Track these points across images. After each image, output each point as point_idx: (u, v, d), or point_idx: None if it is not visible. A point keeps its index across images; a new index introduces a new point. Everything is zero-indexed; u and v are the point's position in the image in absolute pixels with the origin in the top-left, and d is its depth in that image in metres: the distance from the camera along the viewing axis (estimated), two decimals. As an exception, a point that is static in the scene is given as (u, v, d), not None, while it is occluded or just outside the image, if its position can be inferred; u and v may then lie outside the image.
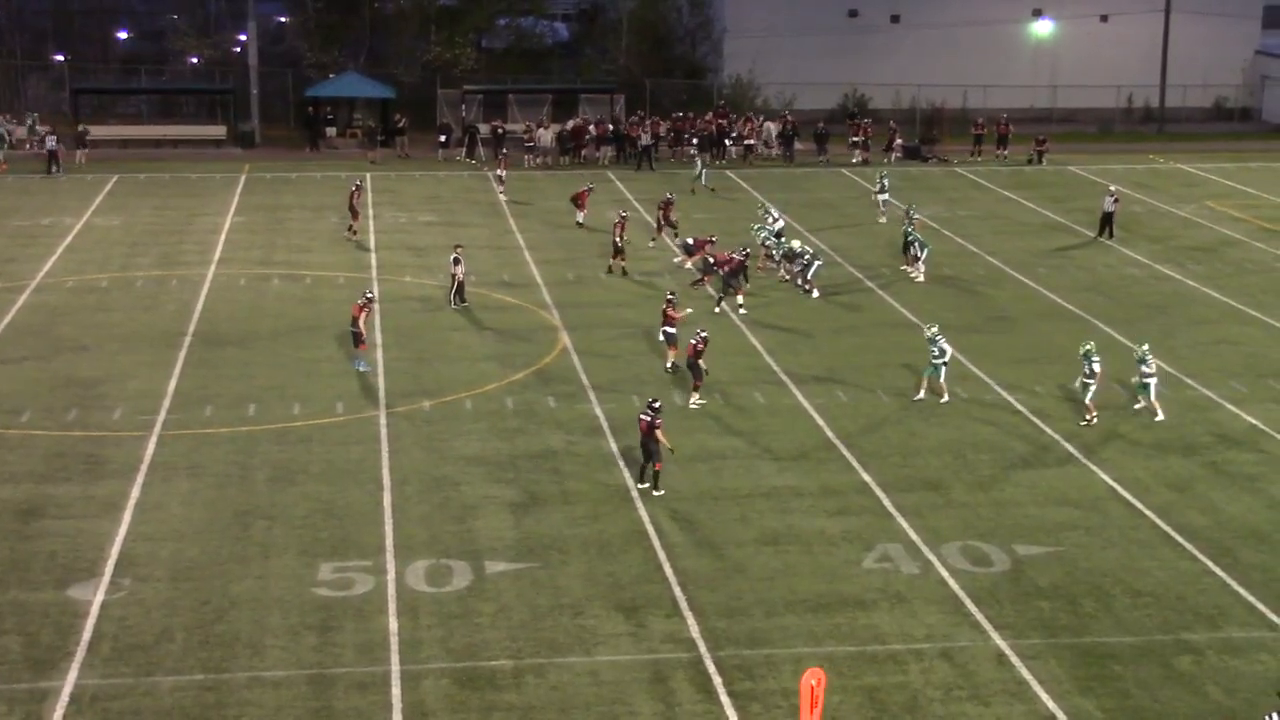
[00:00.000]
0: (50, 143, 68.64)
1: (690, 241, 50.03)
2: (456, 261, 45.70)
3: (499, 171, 63.86)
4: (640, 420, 31.57)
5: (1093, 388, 36.14)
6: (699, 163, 66.92)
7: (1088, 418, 36.09)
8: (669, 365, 39.29)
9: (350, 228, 54.67)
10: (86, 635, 25.42)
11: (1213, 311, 46.70)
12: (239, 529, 29.61)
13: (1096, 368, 36.13)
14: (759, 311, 45.51)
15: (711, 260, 46.88)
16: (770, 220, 52.16)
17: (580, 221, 56.77)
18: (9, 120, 74.00)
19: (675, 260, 51.40)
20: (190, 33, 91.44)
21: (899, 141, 74.95)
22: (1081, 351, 36.58)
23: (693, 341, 36.92)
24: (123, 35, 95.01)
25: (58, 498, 30.97)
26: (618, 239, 49.48)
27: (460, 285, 45.55)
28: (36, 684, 23.92)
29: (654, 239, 52.95)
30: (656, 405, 31.55)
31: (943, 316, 44.98)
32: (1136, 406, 37.07)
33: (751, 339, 42.73)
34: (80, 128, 71.67)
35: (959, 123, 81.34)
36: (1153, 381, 36.75)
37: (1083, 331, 43.82)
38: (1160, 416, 36.46)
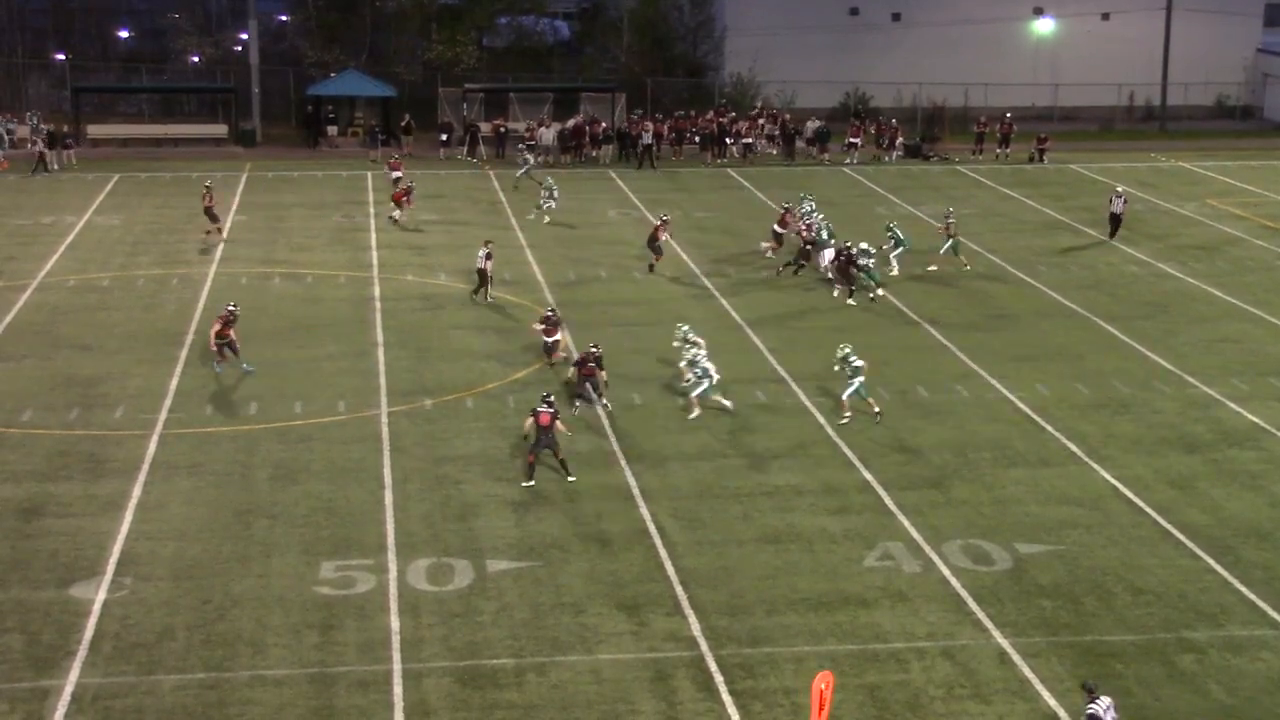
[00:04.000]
0: (39, 143, 68.72)
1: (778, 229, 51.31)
2: (488, 257, 46.07)
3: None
4: (540, 415, 31.73)
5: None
6: (529, 159, 66.43)
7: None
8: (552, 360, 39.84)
9: (208, 231, 53.68)
10: (88, 634, 25.45)
11: (1214, 309, 46.69)
12: (240, 528, 29.64)
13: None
14: (761, 311, 45.52)
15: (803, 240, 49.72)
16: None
17: (395, 218, 56.77)
18: (10, 119, 73.96)
19: (762, 246, 52.15)
20: (191, 31, 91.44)
21: (900, 140, 74.97)
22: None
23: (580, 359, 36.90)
24: (124, 34, 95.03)
25: (59, 496, 30.99)
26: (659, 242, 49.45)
27: (489, 280, 45.98)
28: (38, 683, 23.95)
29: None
30: (551, 398, 32.26)
31: (944, 314, 45.17)
32: (844, 419, 36.10)
33: (753, 337, 42.73)
34: (64, 128, 71.50)
35: (960, 121, 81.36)
36: (857, 381, 35.75)
37: (1083, 329, 43.89)
38: (847, 417, 35.91)
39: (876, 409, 36.17)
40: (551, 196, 57.62)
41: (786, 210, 52.15)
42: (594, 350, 36.52)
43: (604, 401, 36.14)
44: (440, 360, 40.30)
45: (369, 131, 74.73)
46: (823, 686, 21.13)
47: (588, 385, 36.32)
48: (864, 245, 48.04)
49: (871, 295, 46.74)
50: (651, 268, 49.29)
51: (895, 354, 41.43)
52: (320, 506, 30.69)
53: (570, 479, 31.74)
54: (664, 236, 49.01)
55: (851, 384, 35.78)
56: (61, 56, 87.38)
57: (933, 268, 50.13)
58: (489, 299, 45.90)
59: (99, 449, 33.72)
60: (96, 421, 35.46)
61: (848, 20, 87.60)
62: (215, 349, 38.76)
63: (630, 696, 23.74)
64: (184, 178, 66.47)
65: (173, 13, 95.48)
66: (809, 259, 49.74)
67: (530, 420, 31.96)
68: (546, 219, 57.15)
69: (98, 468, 32.70)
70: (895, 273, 49.36)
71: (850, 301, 46.55)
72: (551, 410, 31.76)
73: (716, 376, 36.14)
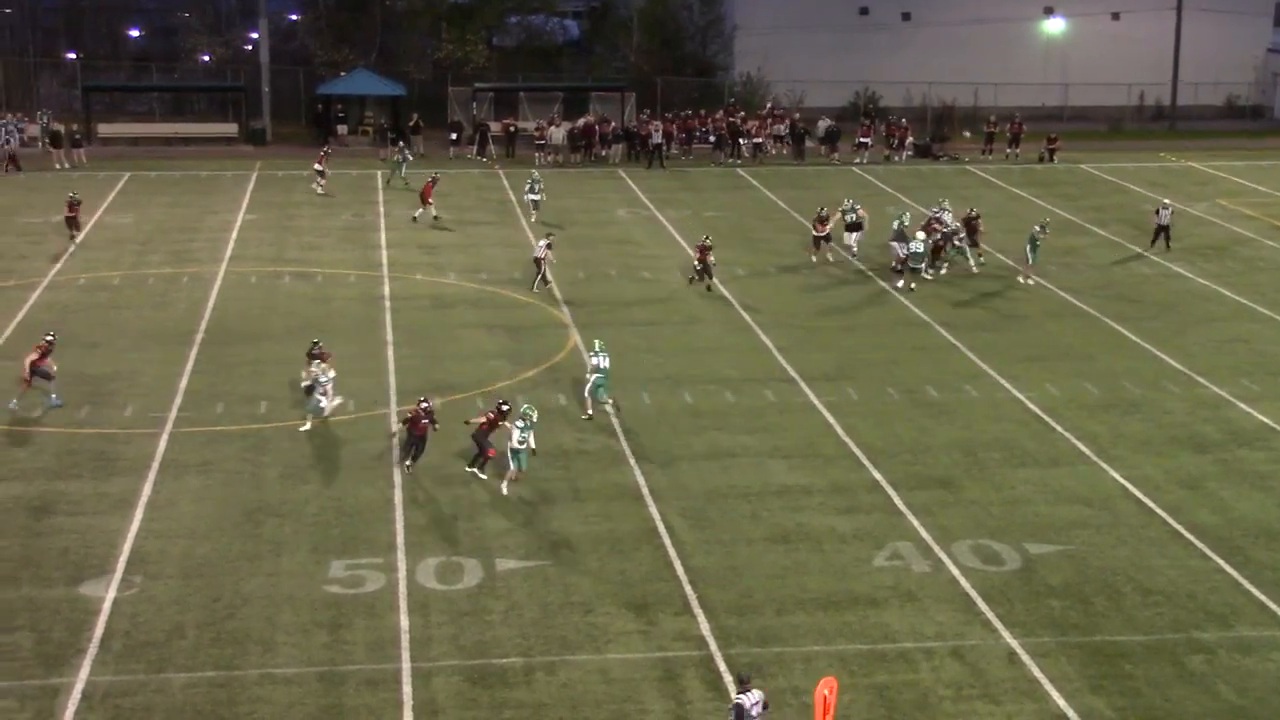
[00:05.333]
0: (8, 142, 68.80)
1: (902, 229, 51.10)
2: (549, 247, 47.23)
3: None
4: (417, 416, 32.22)
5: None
6: (405, 155, 66.37)
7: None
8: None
9: (72, 236, 52.86)
10: (98, 632, 25.48)
11: (1224, 309, 46.64)
12: (250, 526, 29.67)
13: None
14: (770, 310, 45.53)
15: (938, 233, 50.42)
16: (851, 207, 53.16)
17: (415, 217, 56.97)
18: (20, 118, 74.03)
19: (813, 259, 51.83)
20: (202, 30, 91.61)
21: (910, 139, 74.92)
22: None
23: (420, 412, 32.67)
24: (134, 33, 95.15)
25: (69, 495, 31.02)
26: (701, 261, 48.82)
27: (541, 269, 46.92)
28: (48, 680, 23.99)
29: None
30: (427, 405, 32.42)
31: (953, 315, 45.11)
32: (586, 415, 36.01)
33: (763, 337, 42.71)
34: (74, 127, 71.55)
35: (970, 121, 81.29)
36: (595, 377, 35.71)
37: (1093, 329, 43.85)
38: (589, 414, 35.79)
39: (589, 412, 35.81)
40: (533, 190, 57.39)
41: (821, 218, 51.78)
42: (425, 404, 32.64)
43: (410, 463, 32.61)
44: (449, 359, 40.32)
45: (378, 130, 74.75)
46: (826, 692, 21.12)
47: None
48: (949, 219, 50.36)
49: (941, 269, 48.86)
50: (709, 287, 47.39)
51: (905, 354, 41.42)
52: (330, 505, 30.70)
53: (478, 473, 32.21)
54: (710, 259, 47.48)
55: (595, 382, 35.72)
56: (72, 55, 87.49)
57: (1029, 280, 49.46)
58: (538, 289, 46.73)
59: (109, 447, 33.76)
60: (106, 420, 35.50)
61: (857, 20, 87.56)
62: (26, 378, 35.88)
63: (639, 696, 23.74)
64: (194, 176, 66.60)
65: (183, 12, 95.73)
66: (940, 254, 50.39)
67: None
68: (534, 215, 57.03)
69: (108, 466, 32.73)
70: (1031, 282, 49.48)
71: (911, 286, 48.14)
72: (425, 415, 32.18)
73: (598, 375, 35.86)
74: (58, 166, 67.73)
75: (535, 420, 31.57)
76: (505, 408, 32.28)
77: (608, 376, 35.98)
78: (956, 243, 50.45)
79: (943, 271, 49.89)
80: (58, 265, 49.92)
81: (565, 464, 32.97)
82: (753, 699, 21.38)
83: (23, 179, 65.37)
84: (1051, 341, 42.91)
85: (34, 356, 36.14)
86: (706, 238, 48.12)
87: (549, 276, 47.08)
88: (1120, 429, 35.83)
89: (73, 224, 52.70)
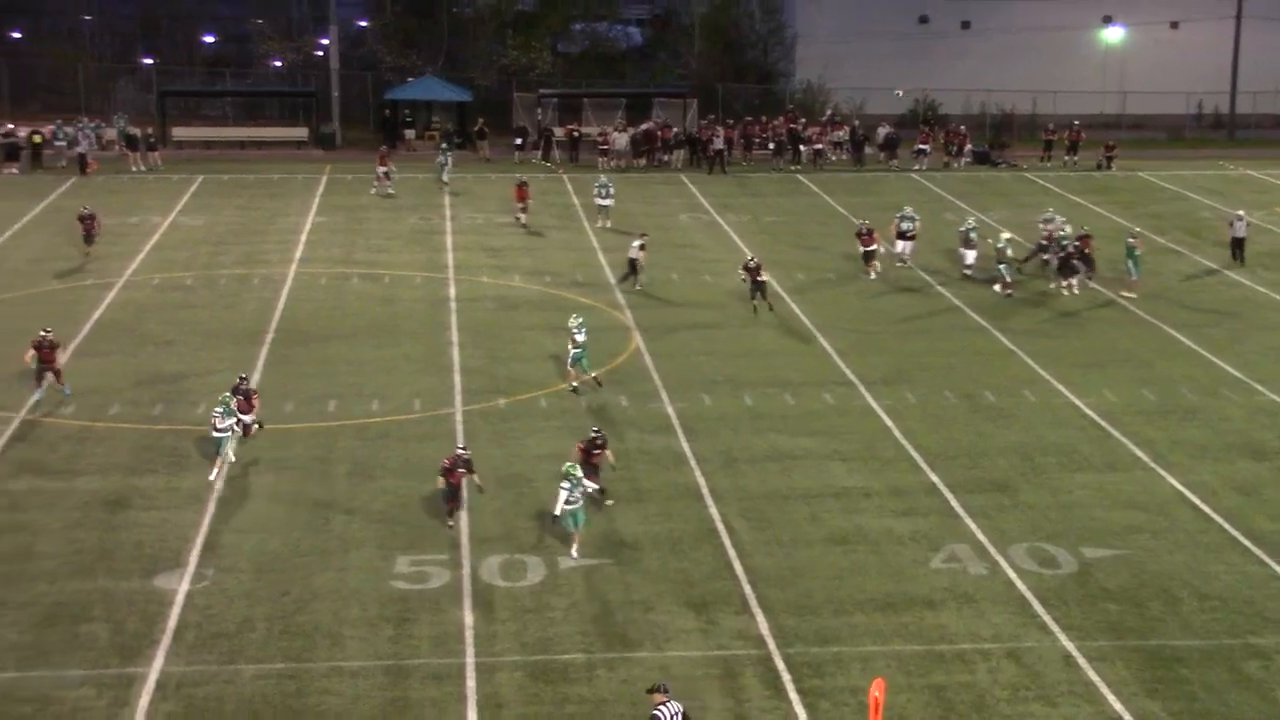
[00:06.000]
0: (83, 145, 69.45)
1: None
2: (642, 248, 47.78)
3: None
4: (454, 464, 29.47)
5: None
6: (446, 158, 67.07)
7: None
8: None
9: (87, 252, 51.08)
10: (171, 623, 25.68)
11: (1282, 317, 46.27)
12: (319, 522, 29.85)
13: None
14: (828, 314, 45.43)
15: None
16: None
17: (524, 222, 57.10)
18: (98, 122, 74.75)
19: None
20: (274, 37, 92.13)
21: (969, 146, 74.60)
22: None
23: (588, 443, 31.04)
24: (208, 39, 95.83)
25: (144, 489, 31.29)
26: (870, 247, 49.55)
27: (635, 269, 47.56)
28: (124, 670, 24.19)
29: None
30: (464, 453, 29.97)
31: (1011, 320, 44.87)
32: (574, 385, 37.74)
33: (821, 341, 42.63)
34: (149, 130, 72.06)
35: (1029, 128, 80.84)
36: (576, 353, 37.41)
37: (1151, 336, 43.55)
38: (574, 385, 37.62)
39: (574, 384, 37.68)
40: (603, 195, 57.41)
41: (863, 233, 50.92)
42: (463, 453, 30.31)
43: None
44: (514, 360, 40.42)
45: (443, 135, 75.01)
46: (876, 693, 21.05)
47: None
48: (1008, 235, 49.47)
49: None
50: (760, 308, 45.62)
51: (963, 358, 41.26)
52: (396, 502, 30.84)
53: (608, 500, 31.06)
54: (765, 276, 45.87)
55: (574, 355, 37.40)
56: (149, 61, 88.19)
57: (1132, 294, 48.25)
58: (637, 286, 47.25)
59: (182, 443, 34.01)
60: (180, 416, 35.77)
61: (917, 28, 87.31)
62: (56, 370, 36.55)
63: (699, 693, 23.71)
64: (266, 179, 67.03)
65: (256, 18, 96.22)
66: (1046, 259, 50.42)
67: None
68: (602, 221, 56.96)
69: (181, 461, 32.98)
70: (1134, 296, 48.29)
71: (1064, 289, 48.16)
72: (463, 463, 29.72)
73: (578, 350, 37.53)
74: (133, 169, 68.34)
75: (580, 475, 28.67)
76: (598, 437, 30.83)
77: (585, 350, 37.58)
78: (1047, 257, 49.92)
79: (1073, 283, 48.65)
80: (133, 263, 50.36)
81: (627, 464, 32.97)
82: (672, 710, 20.82)
83: (99, 181, 65.92)
84: (1110, 348, 42.63)
85: (29, 355, 36.28)
86: (752, 258, 46.87)
87: (640, 277, 47.54)
88: (1178, 435, 35.56)
89: (88, 237, 50.92)
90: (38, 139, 69.51)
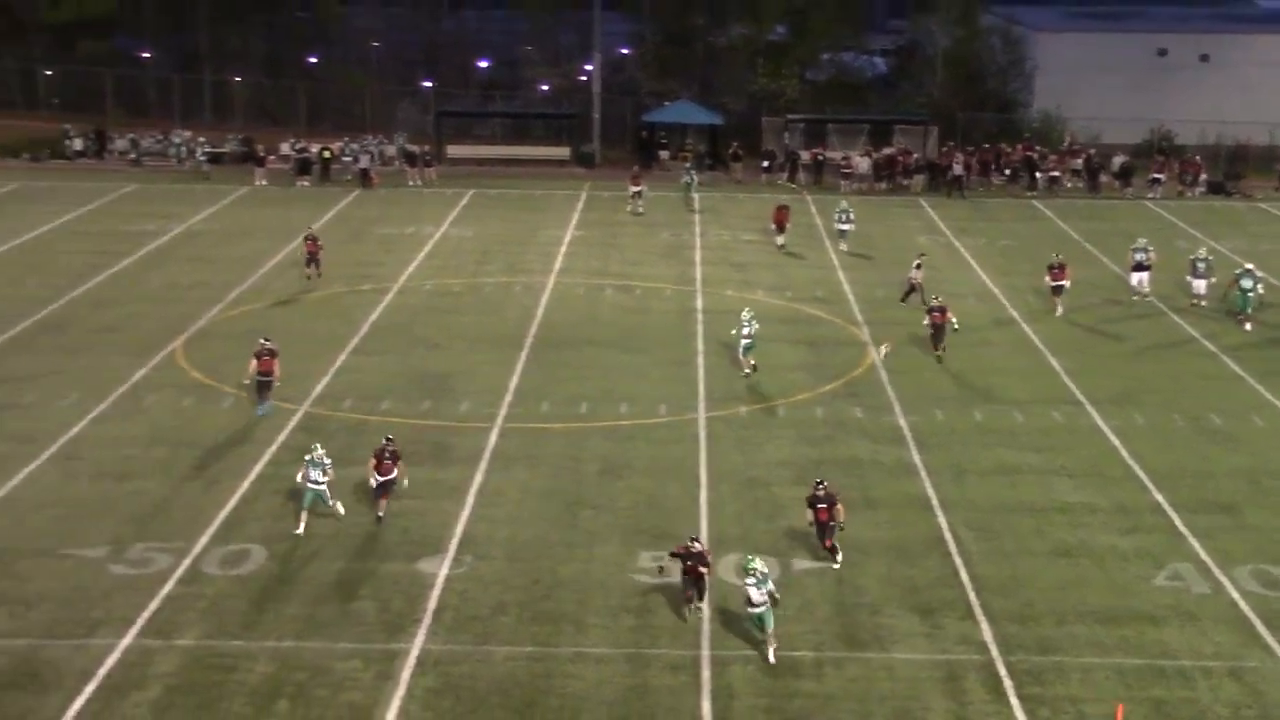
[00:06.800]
0: (364, 161, 71.08)
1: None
2: (918, 268, 47.42)
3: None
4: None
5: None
6: (692, 176, 67.02)
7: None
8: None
9: (308, 276, 49.57)
10: (431, 605, 26.18)
11: None
12: (569, 516, 30.14)
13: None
14: (1059, 335, 44.48)
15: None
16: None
17: (782, 246, 56.21)
18: (380, 139, 76.68)
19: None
20: (541, 63, 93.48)
21: (1204, 176, 72.33)
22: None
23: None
24: (482, 64, 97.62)
25: (411, 480, 31.71)
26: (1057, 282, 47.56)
27: (915, 289, 47.22)
28: (389, 645, 24.74)
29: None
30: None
31: (1241, 346, 43.34)
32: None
33: (1051, 361, 41.73)
34: (425, 148, 73.63)
35: (1264, 160, 78.06)
36: (746, 343, 39.25)
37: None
38: (746, 371, 39.28)
39: (746, 370, 39.50)
40: (844, 220, 56.52)
41: (1053, 266, 47.87)
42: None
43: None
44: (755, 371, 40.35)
45: (696, 156, 75.24)
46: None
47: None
48: (1249, 267, 47.00)
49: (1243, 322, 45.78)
50: (939, 358, 42.02)
51: (1191, 382, 40.05)
52: (641, 501, 31.00)
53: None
54: (948, 319, 41.88)
55: (744, 345, 39.40)
56: (428, 84, 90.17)
57: (1248, 326, 45.84)
58: (909, 301, 46.96)
59: (446, 438, 34.64)
60: (445, 413, 36.43)
61: (1155, 60, 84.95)
62: (270, 381, 36.05)
63: (922, 695, 23.41)
64: (529, 195, 67.95)
65: (526, 45, 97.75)
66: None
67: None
68: (843, 244, 56.22)
69: (445, 455, 33.59)
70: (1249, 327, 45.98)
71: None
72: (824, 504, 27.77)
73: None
74: (411, 183, 69.87)
75: (764, 570, 24.85)
76: (696, 545, 25.95)
77: (754, 341, 39.37)
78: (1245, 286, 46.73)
79: None
80: (408, 270, 51.48)
81: (860, 474, 32.72)
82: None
83: (381, 194, 67.55)
84: (1338, 376, 40.99)
85: (252, 366, 35.99)
86: (936, 296, 43.59)
87: (921, 294, 46.83)
88: (1406, 464, 34.05)
89: (311, 259, 49.51)
90: (327, 155, 71.71)
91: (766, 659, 24.37)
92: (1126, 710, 22.67)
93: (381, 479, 29.69)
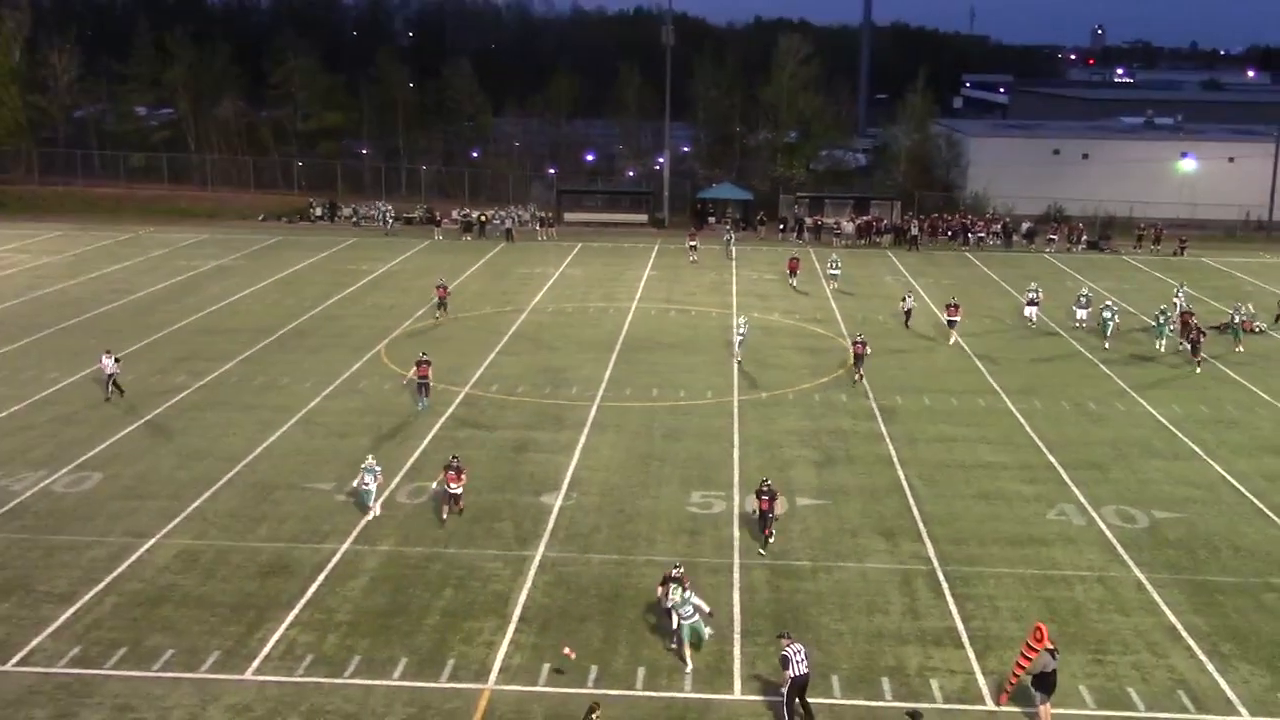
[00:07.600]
0: (508, 223, 70.74)
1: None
2: (905, 298, 46.41)
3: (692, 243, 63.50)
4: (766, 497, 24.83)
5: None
6: (730, 234, 66.08)
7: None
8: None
9: (436, 318, 45.73)
10: (550, 526, 26.27)
11: (1303, 360, 42.83)
12: (643, 466, 30.12)
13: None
14: (984, 349, 43.84)
15: None
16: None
17: (794, 286, 54.90)
18: (519, 208, 76.79)
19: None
20: (629, 156, 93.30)
21: (1085, 237, 71.18)
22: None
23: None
24: (589, 157, 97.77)
25: (537, 440, 32.03)
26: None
27: (910, 316, 45.98)
28: (520, 553, 24.88)
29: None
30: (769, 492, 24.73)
31: (1109, 356, 42.56)
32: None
33: (978, 364, 41.16)
34: (549, 214, 73.28)
35: (1126, 226, 76.70)
36: (739, 337, 38.97)
37: (1210, 369, 40.84)
38: (738, 358, 38.86)
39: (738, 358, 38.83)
40: (833, 267, 55.32)
41: (955, 305, 44.92)
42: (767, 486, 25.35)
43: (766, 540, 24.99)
44: (771, 368, 40.11)
45: (733, 221, 74.82)
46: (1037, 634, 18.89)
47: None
48: (1109, 301, 45.79)
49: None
50: (855, 380, 37.72)
51: (1074, 379, 39.31)
52: (693, 456, 30.92)
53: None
54: (862, 350, 38.36)
55: (737, 340, 38.96)
56: (553, 170, 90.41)
57: (1106, 345, 43.97)
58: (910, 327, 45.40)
59: (561, 412, 34.67)
60: (561, 395, 36.46)
61: (1052, 157, 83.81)
62: (427, 384, 33.81)
63: (885, 593, 23.34)
64: (619, 247, 67.80)
65: (619, 144, 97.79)
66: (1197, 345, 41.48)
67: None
68: (832, 285, 55.47)
69: (560, 422, 33.63)
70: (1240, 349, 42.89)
71: None
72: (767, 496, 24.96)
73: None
74: (539, 239, 69.73)
75: (688, 596, 20.46)
76: (678, 572, 21.39)
77: (746, 339, 39.36)
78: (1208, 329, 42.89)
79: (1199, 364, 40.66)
80: (536, 297, 51.49)
81: (844, 439, 32.51)
82: (796, 649, 18.62)
83: (519, 246, 67.76)
84: (1176, 375, 40.19)
85: (413, 371, 34.42)
86: (860, 334, 40.46)
87: (911, 322, 45.87)
88: (1223, 437, 33.34)
89: (441, 304, 46.01)
90: (483, 219, 71.73)
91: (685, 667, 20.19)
92: (1024, 607, 22.42)
93: (452, 490, 26.06)
